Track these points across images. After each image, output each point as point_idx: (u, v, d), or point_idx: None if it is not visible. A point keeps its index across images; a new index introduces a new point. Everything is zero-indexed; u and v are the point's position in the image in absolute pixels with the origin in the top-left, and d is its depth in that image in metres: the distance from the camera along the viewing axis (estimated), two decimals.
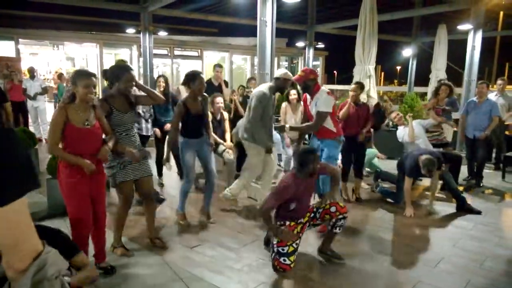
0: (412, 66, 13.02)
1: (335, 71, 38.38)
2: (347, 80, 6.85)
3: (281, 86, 4.30)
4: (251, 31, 11.23)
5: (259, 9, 4.79)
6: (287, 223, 3.34)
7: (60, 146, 2.81)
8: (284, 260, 3.18)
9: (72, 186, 2.80)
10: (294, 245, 3.24)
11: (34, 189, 0.93)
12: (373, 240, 3.95)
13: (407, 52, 13.46)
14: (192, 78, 3.96)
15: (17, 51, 12.54)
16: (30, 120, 8.86)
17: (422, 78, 12.40)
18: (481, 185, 5.92)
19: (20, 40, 12.68)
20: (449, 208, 4.94)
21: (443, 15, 11.22)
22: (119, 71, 3.30)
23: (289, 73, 4.32)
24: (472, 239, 3.98)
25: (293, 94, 5.81)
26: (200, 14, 12.08)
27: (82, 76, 2.79)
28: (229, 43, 16.99)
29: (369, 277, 3.19)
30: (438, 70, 10.24)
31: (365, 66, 7.02)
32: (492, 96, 6.57)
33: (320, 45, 12.21)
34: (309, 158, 3.24)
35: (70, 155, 2.75)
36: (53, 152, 2.86)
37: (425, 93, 11.15)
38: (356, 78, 7.24)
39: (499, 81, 6.81)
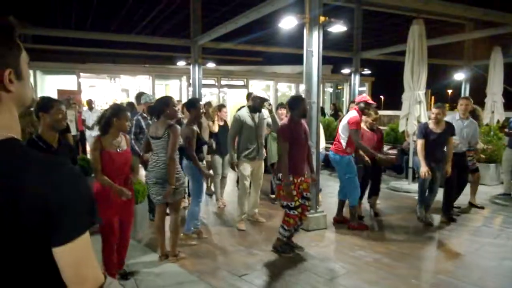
0: (465, 90, 12.46)
1: (381, 96, 37.78)
2: (393, 104, 6.68)
3: (255, 105, 4.90)
4: (295, 59, 11.37)
5: (306, 40, 4.86)
6: (290, 178, 3.91)
7: None
8: (293, 212, 3.96)
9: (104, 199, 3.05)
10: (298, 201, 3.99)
11: (97, 223, 0.96)
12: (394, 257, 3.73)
13: (459, 76, 12.91)
14: (194, 104, 4.41)
15: (79, 84, 13.57)
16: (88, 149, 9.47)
17: (476, 102, 11.78)
18: None
19: (80, 74, 13.74)
20: (487, 227, 4.57)
21: (497, 37, 10.73)
22: (161, 102, 3.83)
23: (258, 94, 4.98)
24: None
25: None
26: (246, 45, 12.46)
27: (125, 112, 3.26)
28: (274, 71, 17.27)
29: None
30: (494, 94, 9.72)
31: (415, 92, 6.84)
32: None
33: (366, 71, 12.04)
34: (298, 100, 4.03)
35: (109, 181, 3.06)
36: (97, 177, 3.14)
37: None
38: (405, 104, 7.06)
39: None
